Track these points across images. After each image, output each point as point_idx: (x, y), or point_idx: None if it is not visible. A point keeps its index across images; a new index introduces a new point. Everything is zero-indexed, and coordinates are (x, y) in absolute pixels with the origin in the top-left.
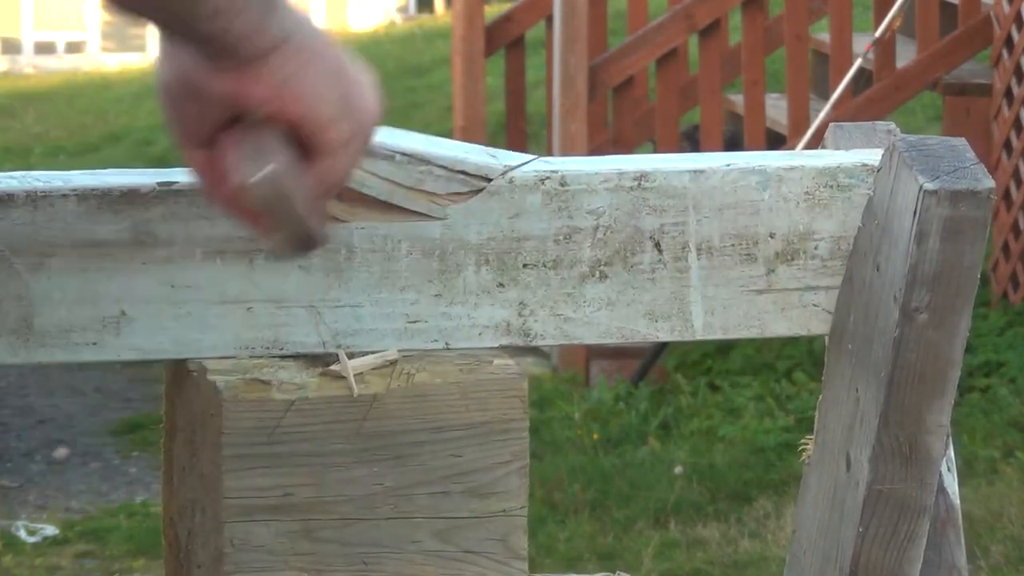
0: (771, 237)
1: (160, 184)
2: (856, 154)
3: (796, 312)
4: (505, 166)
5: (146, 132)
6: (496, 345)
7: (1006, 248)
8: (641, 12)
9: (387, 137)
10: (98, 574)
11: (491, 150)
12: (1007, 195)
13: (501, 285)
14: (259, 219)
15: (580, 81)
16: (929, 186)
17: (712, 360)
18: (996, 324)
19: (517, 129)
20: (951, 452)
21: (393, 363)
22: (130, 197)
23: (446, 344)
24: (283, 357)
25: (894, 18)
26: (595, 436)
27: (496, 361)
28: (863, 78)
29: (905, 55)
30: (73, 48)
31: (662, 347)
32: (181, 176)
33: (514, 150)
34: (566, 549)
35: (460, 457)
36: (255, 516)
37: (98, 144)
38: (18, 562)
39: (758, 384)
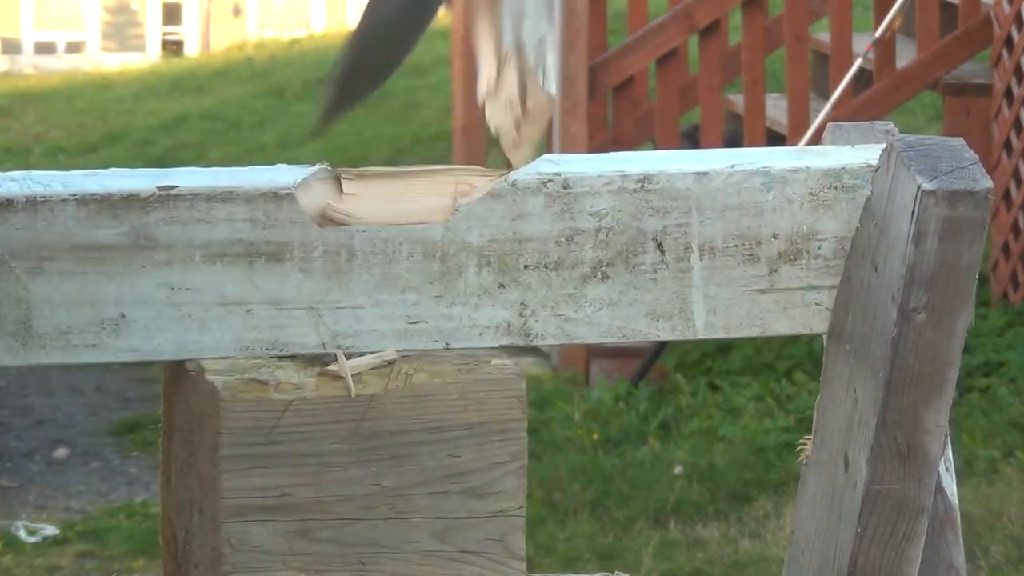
0: (774, 237)
1: (160, 188)
2: (861, 154)
3: (799, 311)
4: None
5: (146, 132)
6: (497, 345)
7: (1006, 248)
8: (641, 12)
9: None
10: (98, 574)
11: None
12: (1007, 195)
13: (502, 286)
14: None
15: (580, 81)
16: (927, 186)
17: (712, 360)
18: (996, 324)
19: None
20: (949, 452)
21: (391, 363)
22: (130, 201)
23: (446, 344)
24: (282, 358)
25: (894, 18)
26: (595, 436)
27: (494, 361)
28: (863, 78)
29: (905, 55)
30: (73, 48)
31: (662, 347)
32: (181, 179)
33: None
34: (566, 549)
35: (458, 457)
36: (253, 516)
37: (98, 144)
38: (18, 562)
39: (758, 384)
